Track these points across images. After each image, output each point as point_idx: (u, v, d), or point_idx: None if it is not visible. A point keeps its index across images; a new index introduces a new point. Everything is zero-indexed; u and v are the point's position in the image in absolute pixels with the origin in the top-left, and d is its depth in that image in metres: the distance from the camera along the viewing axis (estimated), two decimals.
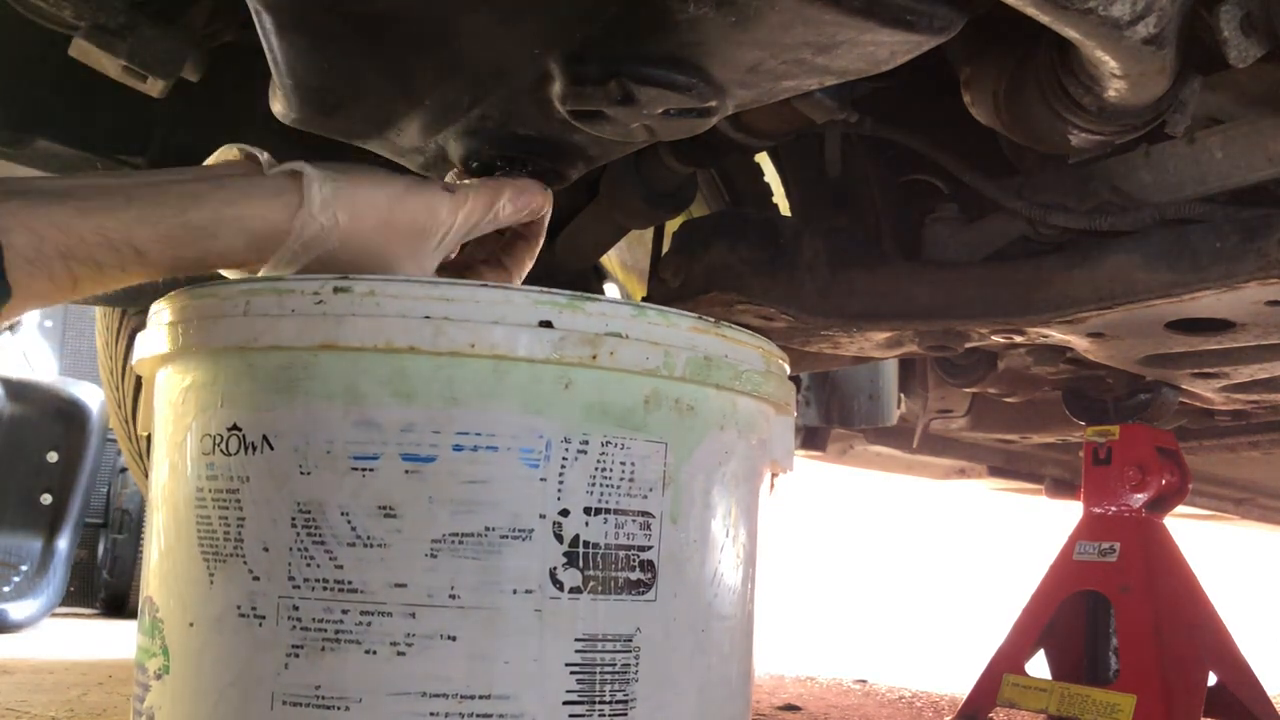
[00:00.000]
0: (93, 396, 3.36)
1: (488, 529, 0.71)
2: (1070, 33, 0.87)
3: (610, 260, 2.11)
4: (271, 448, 0.72)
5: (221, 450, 0.74)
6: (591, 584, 0.73)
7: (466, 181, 0.93)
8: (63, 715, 1.71)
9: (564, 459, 0.73)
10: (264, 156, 0.83)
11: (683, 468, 0.77)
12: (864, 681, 2.94)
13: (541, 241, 1.01)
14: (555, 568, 0.72)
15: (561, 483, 0.72)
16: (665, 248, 1.54)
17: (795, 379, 2.03)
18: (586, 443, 0.73)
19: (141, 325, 0.84)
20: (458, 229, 0.89)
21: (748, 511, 0.83)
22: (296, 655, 0.70)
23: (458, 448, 0.71)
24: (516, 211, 0.93)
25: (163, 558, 0.77)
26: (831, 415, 2.20)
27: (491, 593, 0.71)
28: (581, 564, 0.73)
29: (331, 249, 0.82)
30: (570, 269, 1.66)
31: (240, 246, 0.78)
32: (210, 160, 0.87)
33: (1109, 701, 1.53)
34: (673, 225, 1.54)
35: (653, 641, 0.75)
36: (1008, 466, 2.56)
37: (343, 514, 0.71)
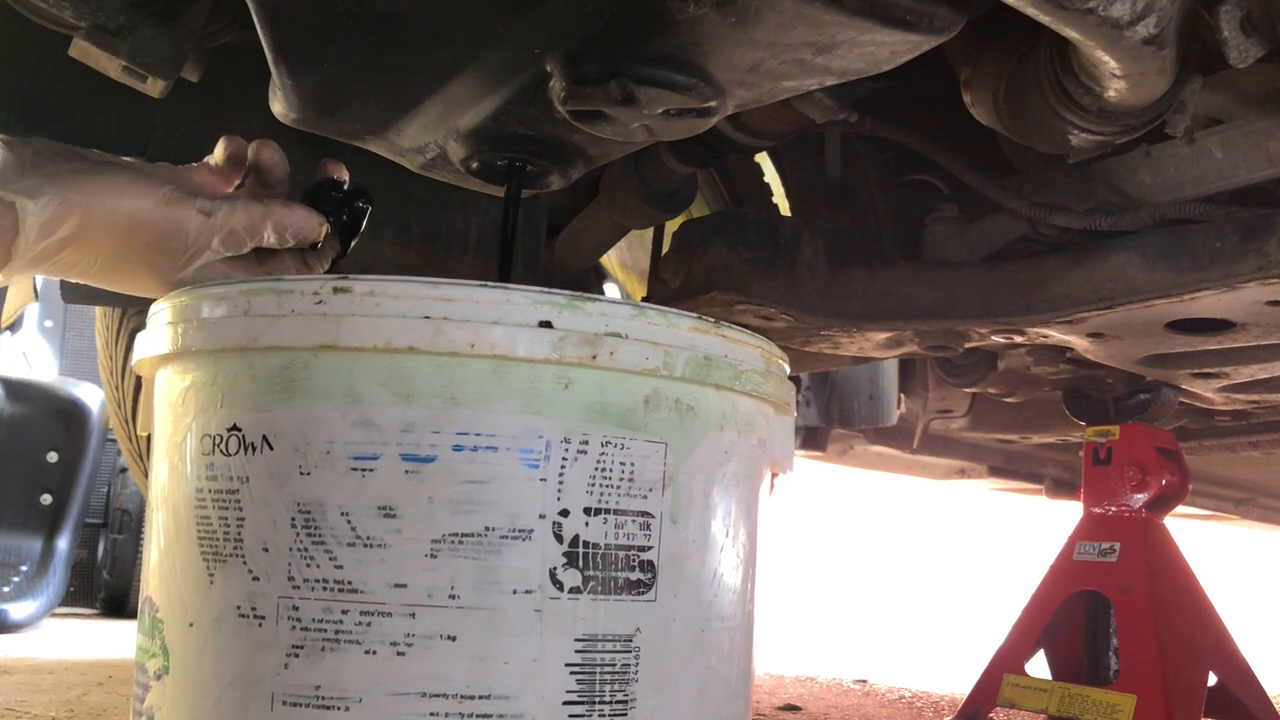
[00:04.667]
0: (93, 396, 3.36)
1: (487, 529, 0.71)
2: (1070, 33, 0.87)
3: (610, 260, 2.11)
4: (271, 448, 0.72)
5: (221, 450, 0.74)
6: (591, 584, 0.73)
7: (230, 200, 0.89)
8: (63, 715, 1.71)
9: (564, 459, 0.73)
10: None
11: (682, 468, 0.77)
12: (864, 681, 2.94)
13: (334, 254, 0.98)
14: (555, 568, 0.72)
15: (561, 483, 0.72)
16: (665, 248, 1.54)
17: (795, 379, 2.03)
18: (586, 443, 0.73)
19: (141, 325, 0.84)
20: (207, 248, 0.88)
21: (747, 511, 0.83)
22: (296, 655, 0.70)
23: (457, 448, 0.71)
24: (281, 240, 0.91)
25: (162, 558, 0.77)
26: (831, 415, 2.20)
27: (491, 593, 0.71)
28: (581, 564, 0.73)
29: (65, 255, 0.83)
30: (570, 269, 1.66)
31: None
32: None
33: (1109, 701, 1.53)
34: (673, 225, 1.54)
35: (652, 641, 0.75)
36: (1008, 466, 2.56)
37: (342, 514, 0.71)
